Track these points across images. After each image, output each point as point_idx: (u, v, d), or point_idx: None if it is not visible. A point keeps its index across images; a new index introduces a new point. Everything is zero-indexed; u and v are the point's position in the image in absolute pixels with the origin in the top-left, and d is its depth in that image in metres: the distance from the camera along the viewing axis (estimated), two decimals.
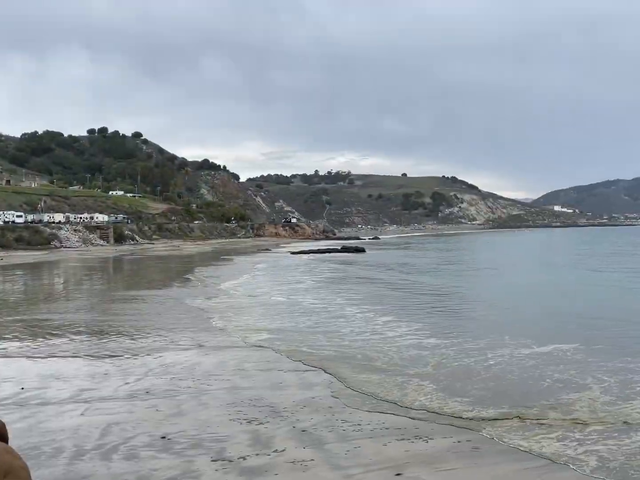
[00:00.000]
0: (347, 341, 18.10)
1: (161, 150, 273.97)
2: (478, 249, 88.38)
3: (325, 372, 14.27)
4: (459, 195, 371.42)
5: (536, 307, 26.83)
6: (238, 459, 8.81)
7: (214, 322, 21.89)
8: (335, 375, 13.91)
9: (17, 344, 17.98)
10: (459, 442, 9.58)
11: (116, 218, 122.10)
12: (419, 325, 20.93)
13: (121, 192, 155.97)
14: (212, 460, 8.75)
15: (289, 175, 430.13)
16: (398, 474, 8.23)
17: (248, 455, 8.94)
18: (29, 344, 17.97)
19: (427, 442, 9.55)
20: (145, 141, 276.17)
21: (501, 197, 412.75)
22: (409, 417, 10.83)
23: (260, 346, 17.31)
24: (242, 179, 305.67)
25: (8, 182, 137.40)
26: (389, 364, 15.03)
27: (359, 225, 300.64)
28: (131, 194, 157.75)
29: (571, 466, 8.60)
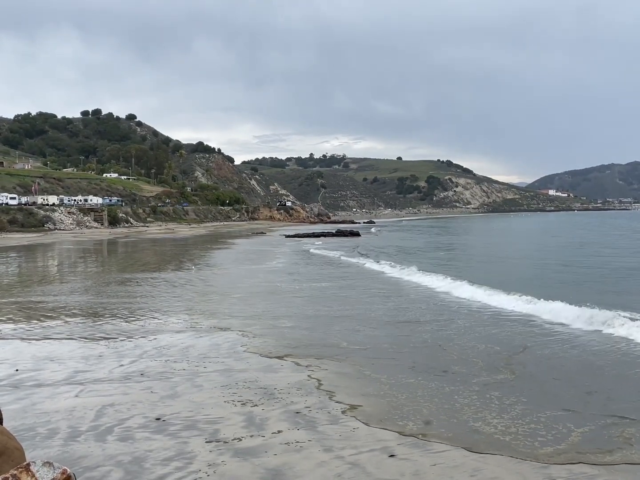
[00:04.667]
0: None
1: (155, 133, 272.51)
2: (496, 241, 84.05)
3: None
4: (453, 179, 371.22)
5: None
6: (233, 440, 8.86)
7: (205, 307, 21.94)
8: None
9: (12, 325, 17.96)
10: None
11: (110, 200, 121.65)
12: None
13: (115, 175, 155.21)
14: (207, 442, 8.80)
15: (283, 158, 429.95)
16: (392, 455, 8.30)
17: (243, 437, 8.99)
18: (23, 326, 17.96)
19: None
20: (140, 123, 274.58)
21: (496, 181, 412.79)
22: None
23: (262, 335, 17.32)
24: (236, 162, 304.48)
25: (1, 163, 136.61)
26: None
27: (354, 209, 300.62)
28: (125, 177, 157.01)
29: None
